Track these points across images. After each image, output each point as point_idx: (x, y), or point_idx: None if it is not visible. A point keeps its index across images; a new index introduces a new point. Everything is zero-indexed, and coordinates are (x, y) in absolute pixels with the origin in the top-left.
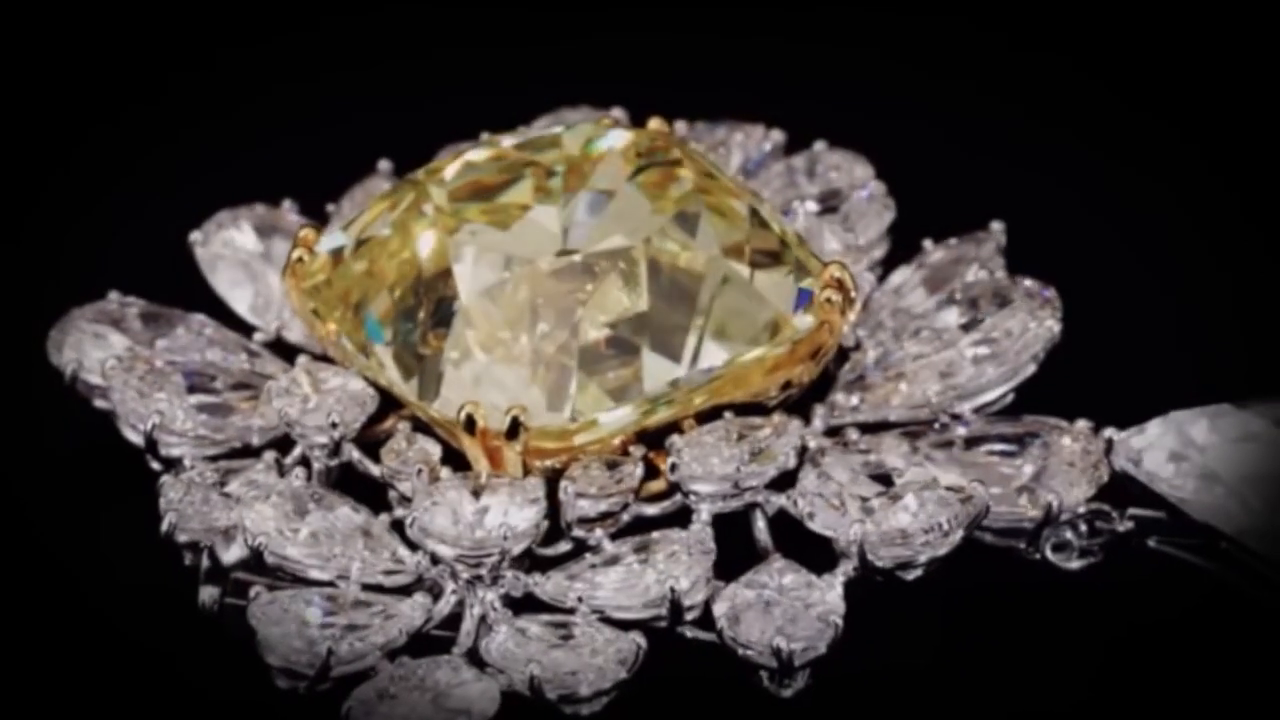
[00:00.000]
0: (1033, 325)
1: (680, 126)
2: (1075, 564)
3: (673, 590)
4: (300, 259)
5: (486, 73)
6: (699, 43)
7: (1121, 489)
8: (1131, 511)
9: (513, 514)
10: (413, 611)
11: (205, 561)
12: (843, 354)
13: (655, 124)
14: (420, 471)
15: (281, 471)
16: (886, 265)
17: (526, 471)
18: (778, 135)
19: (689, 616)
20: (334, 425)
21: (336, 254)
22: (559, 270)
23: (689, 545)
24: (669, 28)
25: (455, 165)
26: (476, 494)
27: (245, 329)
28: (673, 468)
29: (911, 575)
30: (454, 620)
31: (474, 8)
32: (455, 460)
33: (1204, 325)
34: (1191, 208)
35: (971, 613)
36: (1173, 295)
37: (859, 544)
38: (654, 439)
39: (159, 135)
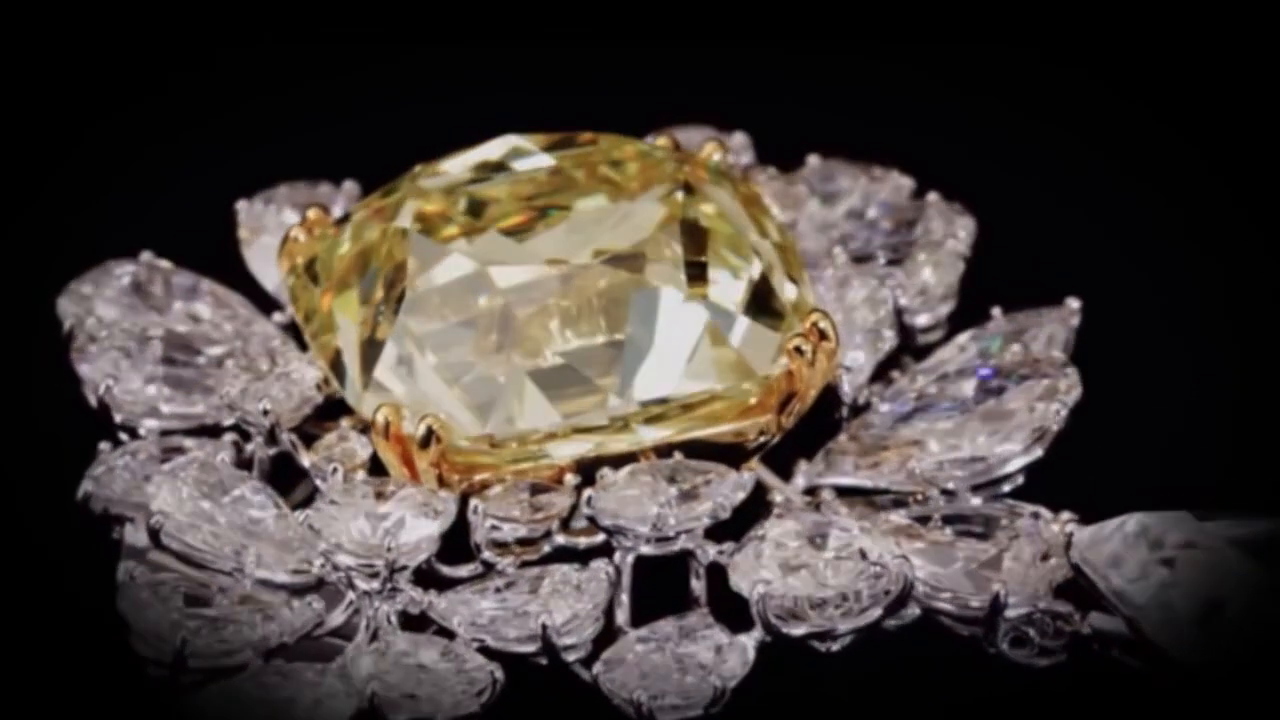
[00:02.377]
0: (1039, 407)
1: (813, 160)
2: (1042, 662)
3: (544, 626)
4: (296, 238)
5: (524, 73)
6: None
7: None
8: (1092, 616)
9: (408, 526)
10: (299, 615)
11: (128, 537)
12: (855, 411)
13: (709, 149)
14: (335, 470)
15: (233, 454)
16: (955, 321)
17: (443, 484)
18: (905, 181)
19: (570, 656)
20: (265, 412)
21: (331, 236)
22: (534, 281)
23: (576, 582)
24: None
25: (461, 161)
26: (382, 500)
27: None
28: (588, 501)
29: (830, 647)
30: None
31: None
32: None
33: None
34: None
35: (914, 695)
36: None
37: (760, 605)
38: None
39: (158, 134)
